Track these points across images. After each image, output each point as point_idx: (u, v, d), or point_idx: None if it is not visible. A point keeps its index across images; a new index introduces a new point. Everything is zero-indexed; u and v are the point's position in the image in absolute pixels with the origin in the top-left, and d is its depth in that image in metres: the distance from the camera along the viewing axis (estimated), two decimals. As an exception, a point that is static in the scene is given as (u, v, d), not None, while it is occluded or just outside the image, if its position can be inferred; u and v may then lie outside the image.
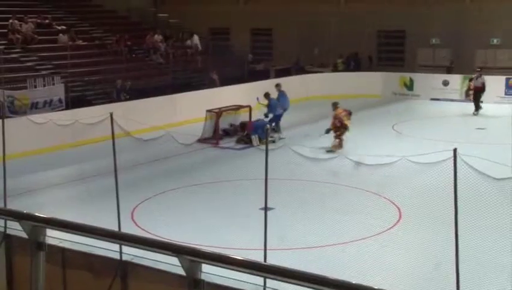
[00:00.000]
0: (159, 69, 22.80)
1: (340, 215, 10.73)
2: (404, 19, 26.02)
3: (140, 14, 28.26)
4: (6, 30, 20.75)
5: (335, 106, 16.21)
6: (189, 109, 19.51)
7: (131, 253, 7.28)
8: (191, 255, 5.64)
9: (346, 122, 15.76)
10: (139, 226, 10.13)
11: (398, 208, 10.88)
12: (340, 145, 15.66)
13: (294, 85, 23.22)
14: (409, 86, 24.71)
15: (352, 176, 12.19)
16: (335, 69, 26.70)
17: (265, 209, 7.46)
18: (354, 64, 26.72)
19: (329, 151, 15.16)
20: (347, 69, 26.60)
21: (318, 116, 19.70)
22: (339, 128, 15.83)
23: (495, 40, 24.27)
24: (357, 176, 12.07)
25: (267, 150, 7.55)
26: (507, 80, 21.95)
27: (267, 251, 7.38)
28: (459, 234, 6.65)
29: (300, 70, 26.41)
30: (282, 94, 17.92)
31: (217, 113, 17.41)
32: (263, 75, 24.92)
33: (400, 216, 10.50)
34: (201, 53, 25.04)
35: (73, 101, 17.80)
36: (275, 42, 29.90)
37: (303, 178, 12.84)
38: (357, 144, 16.13)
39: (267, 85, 22.00)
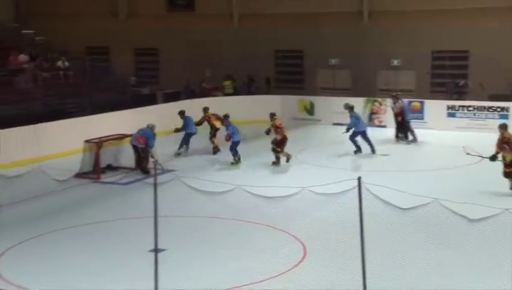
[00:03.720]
0: (26, 94, 21.99)
1: (240, 254, 10.84)
2: (301, 38, 27.08)
3: (0, 30, 27.18)
4: None
5: (273, 116, 17.97)
6: (62, 139, 18.96)
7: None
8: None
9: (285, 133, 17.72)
10: (3, 279, 9.64)
11: (302, 243, 11.18)
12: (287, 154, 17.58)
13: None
14: (310, 110, 25.61)
15: (252, 210, 12.38)
16: (223, 93, 27.09)
17: (156, 250, 7.41)
18: (249, 87, 27.24)
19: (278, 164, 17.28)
20: (240, 92, 27.07)
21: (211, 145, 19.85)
22: (283, 140, 17.50)
23: (395, 61, 25.84)
24: (257, 210, 12.28)
25: (155, 185, 7.54)
26: (409, 102, 23.35)
27: (160, 299, 7.32)
28: (366, 270, 6.98)
29: (192, 94, 26.58)
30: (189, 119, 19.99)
31: (97, 144, 17.06)
32: (149, 100, 24.81)
33: (305, 253, 10.79)
34: (76, 75, 24.51)
35: None
36: (162, 63, 29.93)
37: (199, 214, 12.87)
38: (255, 175, 16.45)
39: (156, 110, 21.95)
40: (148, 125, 17.33)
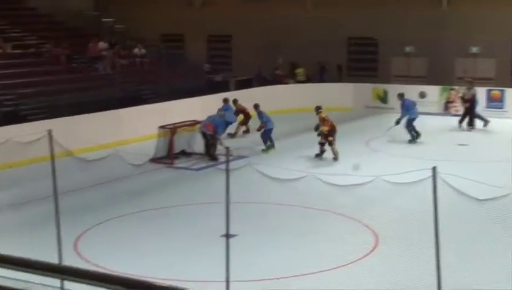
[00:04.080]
0: (104, 80, 22.63)
1: (310, 242, 10.80)
2: (376, 25, 26.55)
3: (80, 19, 28.03)
4: None
5: (318, 109, 17.39)
6: (139, 125, 19.41)
7: (75, 289, 7.15)
8: (144, 290, 5.57)
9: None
10: (83, 258, 9.98)
11: (374, 232, 11.02)
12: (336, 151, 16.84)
13: (256, 98, 23.38)
14: (383, 98, 25.16)
15: (323, 198, 12.31)
16: (295, 80, 26.97)
17: (227, 236, 7.47)
18: (321, 74, 27.00)
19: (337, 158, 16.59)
20: (313, 79, 26.89)
21: (284, 132, 19.86)
22: (331, 131, 16.87)
23: (474, 49, 24.98)
24: (328, 198, 12.19)
25: (227, 171, 7.58)
26: (488, 91, 22.55)
27: (230, 283, 7.38)
28: (441, 261, 6.79)
29: (264, 81, 26.61)
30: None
31: (171, 130, 17.37)
32: (222, 87, 25.01)
33: (377, 242, 10.63)
34: (152, 62, 25.01)
35: (5, 117, 17.52)
36: (234, 50, 30.09)
37: (269, 201, 12.90)
38: (328, 163, 16.33)
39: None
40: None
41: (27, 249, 8.57)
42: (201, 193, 14.08)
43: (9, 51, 21.63)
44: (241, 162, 14.32)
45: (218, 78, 27.06)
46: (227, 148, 8.50)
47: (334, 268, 9.51)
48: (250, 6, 28.83)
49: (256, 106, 19.17)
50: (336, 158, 16.69)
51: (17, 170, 15.67)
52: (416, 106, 19.81)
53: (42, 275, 7.00)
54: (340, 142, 17.39)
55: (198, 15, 29.97)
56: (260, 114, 18.87)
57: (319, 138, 16.96)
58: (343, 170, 14.12)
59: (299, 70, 27.27)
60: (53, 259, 7.47)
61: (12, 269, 7.19)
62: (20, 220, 12.44)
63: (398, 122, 19.18)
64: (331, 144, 16.80)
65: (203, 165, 16.62)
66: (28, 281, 7.39)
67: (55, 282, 7.18)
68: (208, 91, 23.04)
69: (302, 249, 10.45)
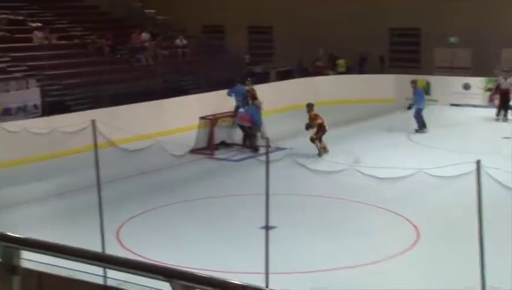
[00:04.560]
0: (146, 71, 22.86)
1: (350, 235, 10.73)
2: (419, 15, 26.12)
3: (124, 10, 28.36)
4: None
5: (310, 107, 16.93)
6: (180, 116, 19.55)
7: (117, 277, 7.26)
8: (185, 280, 5.59)
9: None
10: (125, 247, 10.12)
11: (415, 227, 10.88)
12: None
13: (297, 89, 23.29)
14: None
15: (364, 191, 12.21)
16: (336, 71, 26.77)
17: (267, 228, 7.47)
18: (361, 66, 26.72)
19: (320, 155, 16.12)
20: (352, 71, 26.66)
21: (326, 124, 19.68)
22: (321, 127, 16.61)
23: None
24: (368, 191, 12.09)
25: (267, 162, 7.57)
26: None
27: (270, 275, 7.38)
28: (485, 257, 6.66)
29: (304, 72, 26.49)
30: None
31: (211, 121, 17.44)
32: (262, 78, 24.98)
33: (418, 236, 10.49)
34: (194, 53, 25.13)
35: (50, 107, 17.79)
36: (275, 41, 30.00)
37: (309, 193, 12.86)
38: (369, 155, 16.16)
39: (267, 89, 22.06)
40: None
41: (71, 238, 8.76)
42: (241, 184, 14.12)
43: (54, 42, 22.00)
44: (280, 153, 14.31)
45: (259, 69, 27.05)
46: (267, 139, 8.50)
47: (374, 262, 9.42)
48: (292, -3, 28.66)
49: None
50: (320, 154, 16.24)
51: (61, 159, 15.96)
52: (425, 97, 20.24)
53: (86, 263, 7.13)
54: (381, 134, 17.21)
55: (239, 6, 29.95)
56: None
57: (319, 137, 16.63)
58: (384, 163, 13.96)
59: (340, 62, 27.06)
60: (96, 247, 7.59)
61: (58, 256, 7.35)
62: (65, 208, 12.70)
63: (409, 108, 19.43)
64: (317, 139, 16.46)
65: (243, 156, 16.65)
66: (73, 269, 7.54)
67: (99, 270, 7.29)
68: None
69: (342, 242, 10.39)
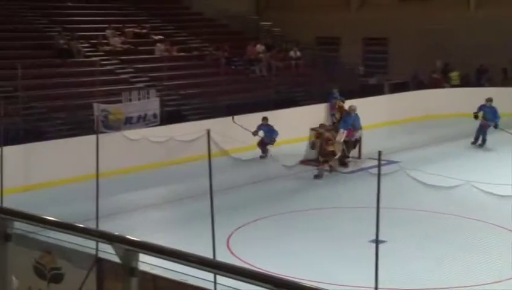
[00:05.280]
0: (260, 82, 23.23)
1: (462, 253, 10.33)
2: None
3: (241, 22, 29.02)
4: (96, 41, 21.84)
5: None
6: (291, 127, 19.67)
7: (226, 284, 7.44)
8: (293, 291, 5.67)
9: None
10: (234, 255, 10.32)
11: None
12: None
13: (410, 102, 22.75)
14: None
15: (480, 208, 11.71)
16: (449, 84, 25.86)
17: (377, 241, 7.37)
18: (478, 78, 25.64)
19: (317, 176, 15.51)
20: (470, 83, 25.64)
21: (440, 137, 19.14)
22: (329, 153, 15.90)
23: None
24: (485, 208, 11.58)
25: (379, 175, 7.48)
26: None
27: (378, 290, 7.27)
28: None
29: (420, 84, 25.84)
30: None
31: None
32: (376, 90, 24.63)
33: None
34: (307, 65, 25.24)
35: (168, 116, 18.41)
36: (390, 53, 29.52)
37: (421, 208, 12.52)
38: (489, 171, 15.45)
39: (380, 101, 21.73)
40: None
41: (184, 243, 9.07)
42: (351, 196, 13.99)
43: (175, 54, 22.90)
44: (392, 166, 14.03)
45: (373, 81, 26.70)
46: (379, 152, 8.35)
47: (487, 283, 9.00)
48: (408, 7, 28.13)
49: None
50: (318, 176, 15.59)
51: (177, 167, 16.52)
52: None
53: (198, 268, 7.37)
54: (505, 150, 16.42)
55: (354, 18, 29.78)
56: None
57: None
58: (503, 180, 13.31)
59: (454, 74, 26.14)
60: (207, 253, 7.81)
61: (172, 261, 7.65)
62: (179, 215, 13.14)
63: (496, 126, 18.72)
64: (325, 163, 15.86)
65: (355, 168, 16.48)
66: (185, 274, 7.80)
67: (209, 276, 7.49)
68: (360, 94, 22.79)
69: (454, 260, 10.03)
